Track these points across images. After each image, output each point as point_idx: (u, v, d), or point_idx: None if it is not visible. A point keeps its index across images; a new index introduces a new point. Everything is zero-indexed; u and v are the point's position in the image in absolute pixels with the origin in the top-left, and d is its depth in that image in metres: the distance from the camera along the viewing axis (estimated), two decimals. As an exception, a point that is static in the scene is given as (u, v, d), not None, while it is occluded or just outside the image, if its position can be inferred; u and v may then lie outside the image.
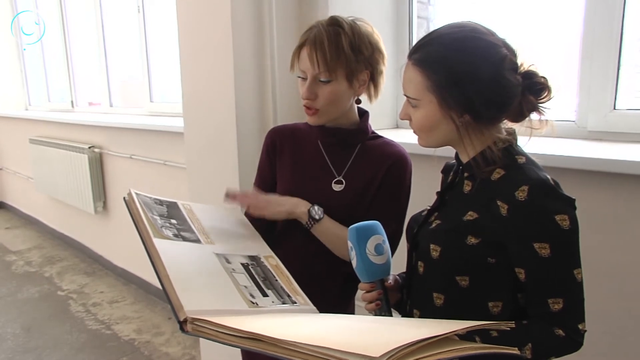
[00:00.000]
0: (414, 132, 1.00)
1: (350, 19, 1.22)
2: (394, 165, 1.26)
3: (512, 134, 0.98)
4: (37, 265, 4.22)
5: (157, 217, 1.09)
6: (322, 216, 1.24)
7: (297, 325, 0.85)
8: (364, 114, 1.32)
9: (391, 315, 1.01)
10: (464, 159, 0.99)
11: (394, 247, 1.23)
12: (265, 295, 1.02)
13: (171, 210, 1.17)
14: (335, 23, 1.20)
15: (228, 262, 1.07)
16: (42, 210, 5.11)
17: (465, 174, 0.99)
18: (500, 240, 0.90)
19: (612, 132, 1.56)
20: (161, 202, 1.18)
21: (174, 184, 3.07)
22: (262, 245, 1.24)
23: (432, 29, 1.15)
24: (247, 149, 1.95)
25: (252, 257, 1.14)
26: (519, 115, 0.95)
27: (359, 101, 1.30)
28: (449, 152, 1.03)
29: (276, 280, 1.10)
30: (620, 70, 1.54)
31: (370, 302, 1.01)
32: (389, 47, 1.96)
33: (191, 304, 0.83)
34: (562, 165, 1.37)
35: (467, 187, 0.98)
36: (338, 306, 1.35)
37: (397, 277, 1.13)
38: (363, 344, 0.64)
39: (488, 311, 0.95)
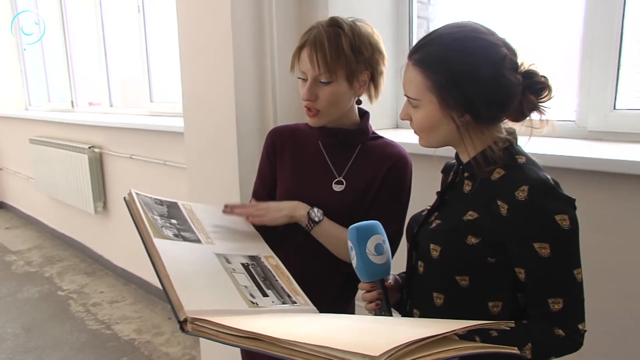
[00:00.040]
0: (415, 132, 1.00)
1: (350, 19, 1.22)
2: (394, 166, 1.26)
3: (512, 133, 0.98)
4: (37, 265, 4.22)
5: (158, 217, 1.10)
6: (321, 218, 1.24)
7: (297, 325, 0.85)
8: (364, 114, 1.32)
9: (391, 315, 1.01)
10: (464, 159, 0.99)
11: (394, 248, 1.23)
12: (265, 295, 1.02)
13: (171, 210, 1.17)
14: (335, 24, 1.20)
15: (228, 262, 1.07)
16: (42, 210, 5.11)
17: (466, 174, 0.99)
18: (500, 240, 0.90)
19: (612, 132, 1.56)
20: (161, 202, 1.18)
21: (174, 184, 3.07)
22: (262, 245, 1.24)
23: (432, 29, 1.15)
24: (247, 149, 1.95)
25: (252, 257, 1.14)
26: (520, 115, 0.95)
27: (359, 102, 1.30)
28: (449, 152, 1.03)
29: (276, 280, 1.10)
30: (620, 70, 1.54)
31: (370, 302, 1.01)
32: (389, 47, 1.96)
33: (191, 303, 0.83)
34: (562, 165, 1.37)
35: (467, 187, 0.98)
36: (338, 306, 1.35)
37: (397, 277, 1.13)
38: (363, 344, 0.64)
39: (488, 311, 0.95)
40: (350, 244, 1.00)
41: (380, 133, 1.35)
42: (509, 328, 0.86)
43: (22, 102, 5.70)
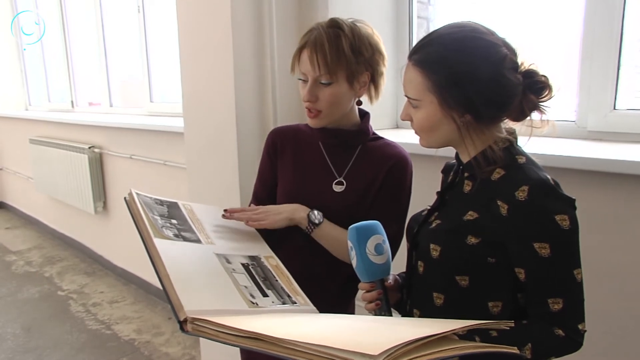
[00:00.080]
0: (416, 132, 1.00)
1: (350, 20, 1.22)
2: (394, 167, 1.26)
3: (512, 133, 0.98)
4: (37, 266, 4.22)
5: (158, 217, 1.10)
6: (321, 220, 1.24)
7: (297, 325, 0.85)
8: (364, 115, 1.32)
9: (391, 315, 1.01)
10: (465, 159, 0.99)
11: (395, 249, 1.23)
12: (265, 295, 1.02)
13: (172, 211, 1.17)
14: (335, 25, 1.20)
15: (228, 262, 1.07)
16: (42, 210, 5.11)
17: (466, 174, 0.99)
18: (500, 240, 0.91)
19: (612, 132, 1.56)
20: (162, 202, 1.18)
21: (174, 184, 3.07)
22: (262, 245, 1.24)
23: (432, 29, 1.15)
24: (247, 149, 1.95)
25: (252, 257, 1.14)
26: (520, 114, 0.95)
27: (359, 102, 1.30)
28: (449, 152, 1.04)
29: (276, 280, 1.10)
30: (620, 71, 1.54)
31: (370, 302, 1.01)
32: (389, 47, 1.96)
33: (191, 303, 0.83)
34: (562, 165, 1.37)
35: (467, 187, 0.98)
36: (338, 306, 1.35)
37: (397, 276, 1.13)
38: (362, 343, 0.64)
39: (488, 311, 0.95)
40: (350, 244, 1.00)
41: (380, 133, 1.35)
42: (508, 328, 0.86)
43: (22, 102, 5.70)
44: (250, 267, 1.10)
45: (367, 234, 0.99)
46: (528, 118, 0.96)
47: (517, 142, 0.98)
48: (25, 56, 5.55)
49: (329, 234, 1.25)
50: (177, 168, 3.00)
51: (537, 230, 0.87)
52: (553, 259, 0.87)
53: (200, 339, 2.42)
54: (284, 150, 1.36)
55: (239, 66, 1.89)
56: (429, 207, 1.08)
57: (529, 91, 0.93)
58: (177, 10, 2.11)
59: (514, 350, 0.74)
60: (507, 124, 0.99)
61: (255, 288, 1.03)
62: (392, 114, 2.17)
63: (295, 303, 1.05)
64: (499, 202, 0.89)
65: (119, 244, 3.86)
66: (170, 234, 1.06)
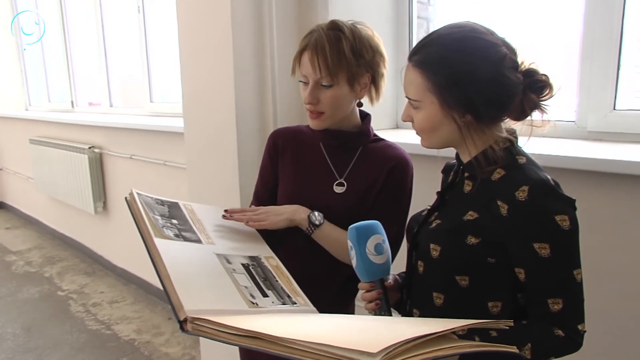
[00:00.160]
0: (417, 133, 1.01)
1: (350, 22, 1.23)
2: (395, 168, 1.26)
3: (512, 133, 0.98)
4: (37, 266, 4.22)
5: (159, 217, 1.10)
6: (322, 221, 1.24)
7: (297, 324, 0.85)
8: (365, 116, 1.33)
9: (391, 315, 1.01)
10: (465, 159, 0.99)
11: (395, 250, 1.23)
12: (265, 295, 1.02)
13: (172, 211, 1.18)
14: (335, 27, 1.21)
15: (229, 262, 1.07)
16: (42, 210, 5.11)
17: (466, 174, 0.99)
18: (500, 240, 0.91)
19: (612, 132, 1.56)
20: (162, 202, 1.18)
21: (174, 184, 3.07)
22: (262, 245, 1.24)
23: (432, 29, 1.15)
24: (247, 149, 1.95)
25: (252, 258, 1.14)
26: (521, 114, 0.95)
27: (360, 104, 1.30)
28: (450, 152, 1.04)
29: (276, 280, 1.10)
30: (620, 71, 1.54)
31: (370, 301, 1.01)
32: (389, 47, 1.96)
33: (191, 303, 0.83)
34: (562, 165, 1.37)
35: (467, 187, 0.98)
36: (338, 306, 1.35)
37: (397, 276, 1.13)
38: (361, 341, 0.64)
39: (488, 311, 0.95)
40: (350, 243, 1.00)
41: (380, 133, 1.35)
42: (508, 328, 0.86)
43: (22, 102, 5.70)
44: (250, 267, 1.10)
45: (367, 233, 0.99)
46: (529, 117, 0.96)
47: (517, 142, 0.98)
48: (25, 56, 5.55)
49: (330, 235, 1.25)
50: (177, 168, 3.00)
51: (537, 230, 0.87)
52: (553, 259, 0.87)
53: (200, 339, 2.43)
54: (285, 151, 1.36)
55: (239, 66, 1.89)
56: (429, 207, 1.08)
57: (529, 90, 0.93)
58: (177, 10, 2.11)
59: (514, 349, 0.74)
60: (508, 123, 0.99)
61: (256, 288, 1.03)
62: (392, 114, 2.18)
63: (295, 303, 1.05)
64: (499, 202, 0.89)
65: (119, 244, 3.86)
66: (170, 233, 1.06)
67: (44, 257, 4.42)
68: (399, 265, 1.14)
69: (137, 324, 3.15)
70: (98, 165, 3.91)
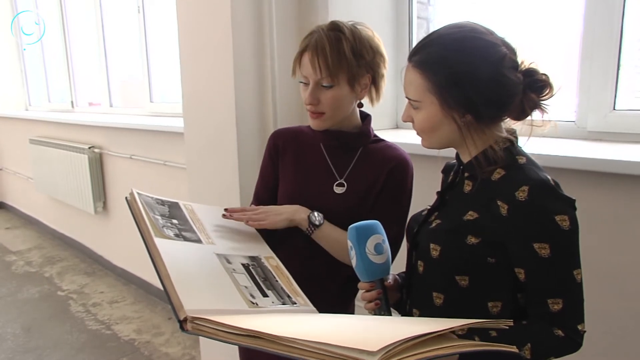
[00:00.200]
0: (417, 133, 1.01)
1: (350, 23, 1.23)
2: (395, 169, 1.26)
3: (513, 133, 0.98)
4: (37, 266, 4.22)
5: (159, 217, 1.10)
6: (322, 222, 1.25)
7: (296, 323, 0.85)
8: (366, 117, 1.33)
9: (390, 315, 1.01)
10: (465, 159, 0.99)
11: (395, 250, 1.23)
12: (265, 295, 1.02)
13: (173, 210, 1.18)
14: (336, 28, 1.21)
15: (229, 262, 1.07)
16: (42, 210, 5.11)
17: (466, 174, 0.99)
18: (500, 240, 0.91)
19: (611, 132, 1.56)
20: (163, 202, 1.18)
21: (174, 184, 3.07)
22: (262, 246, 1.24)
23: (432, 29, 1.15)
24: (247, 149, 1.95)
25: (252, 258, 1.14)
26: (521, 113, 0.96)
27: (361, 105, 1.31)
28: (450, 152, 1.04)
29: (276, 280, 1.10)
30: (620, 71, 1.54)
31: (370, 301, 1.01)
32: (389, 47, 1.96)
33: (191, 303, 0.83)
34: (562, 165, 1.37)
35: (467, 187, 0.98)
36: (338, 306, 1.35)
37: (397, 276, 1.13)
38: (361, 340, 0.65)
39: (487, 311, 0.95)
40: (350, 243, 1.00)
41: (380, 133, 1.35)
42: (507, 327, 0.86)
43: (22, 102, 5.70)
44: (250, 267, 1.10)
45: (366, 233, 0.99)
46: (529, 117, 0.96)
47: (517, 142, 0.98)
48: (25, 56, 5.55)
49: (330, 236, 1.25)
50: (177, 168, 3.00)
51: (537, 230, 0.87)
52: (553, 259, 0.87)
53: (200, 339, 2.43)
54: (286, 151, 1.36)
55: (239, 66, 1.89)
56: (429, 207, 1.08)
57: (529, 90, 0.93)
58: (177, 10, 2.11)
59: (513, 349, 0.74)
60: (508, 123, 0.99)
61: (256, 288, 1.03)
62: (392, 114, 2.18)
63: (295, 304, 1.05)
64: (499, 202, 0.89)
65: (119, 244, 3.86)
66: (171, 233, 1.06)
67: (44, 257, 4.42)
68: (399, 265, 1.14)
69: (137, 324, 3.15)
70: (98, 165, 3.91)
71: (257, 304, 0.97)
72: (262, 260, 1.15)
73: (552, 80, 0.94)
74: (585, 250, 0.93)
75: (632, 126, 1.52)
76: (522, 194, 0.87)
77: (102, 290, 3.69)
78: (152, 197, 1.16)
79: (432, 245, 0.97)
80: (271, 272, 1.12)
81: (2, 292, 3.68)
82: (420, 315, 1.03)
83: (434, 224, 1.01)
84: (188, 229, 1.13)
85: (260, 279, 1.07)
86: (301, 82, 1.25)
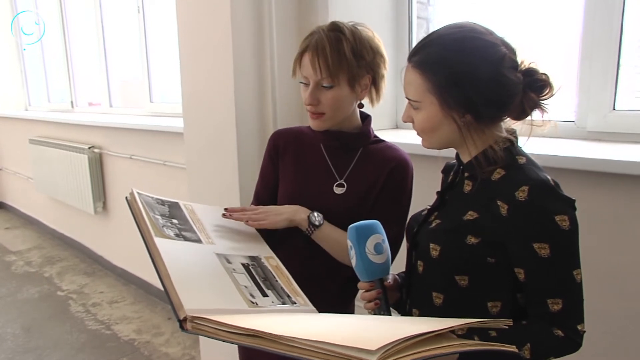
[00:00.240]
0: (417, 134, 1.01)
1: (350, 24, 1.23)
2: (395, 169, 1.27)
3: (513, 133, 0.98)
4: (37, 266, 4.22)
5: (159, 217, 1.10)
6: (322, 222, 1.25)
7: (296, 323, 0.85)
8: (366, 117, 1.33)
9: (390, 315, 1.01)
10: (465, 159, 0.99)
11: (395, 251, 1.23)
12: (265, 295, 1.02)
13: (173, 210, 1.18)
14: (336, 29, 1.21)
15: (229, 262, 1.07)
16: (42, 210, 5.11)
17: (466, 174, 0.99)
18: (500, 240, 0.91)
19: (611, 132, 1.56)
20: (163, 202, 1.18)
21: (173, 184, 3.07)
22: (262, 246, 1.24)
23: (431, 29, 1.15)
24: (247, 149, 1.95)
25: (252, 258, 1.14)
26: (521, 113, 0.96)
27: (361, 105, 1.31)
28: (450, 152, 1.04)
29: (276, 280, 1.10)
30: (619, 71, 1.54)
31: (369, 301, 1.01)
32: (389, 48, 1.96)
33: (191, 302, 0.83)
34: (562, 165, 1.37)
35: (467, 187, 0.98)
36: (338, 307, 1.35)
37: (397, 276, 1.13)
38: (360, 339, 0.65)
39: (487, 311, 0.95)
40: (349, 243, 1.00)
41: (380, 133, 1.35)
42: (507, 327, 0.86)
43: (22, 102, 5.70)
44: (250, 267, 1.10)
45: (366, 233, 0.99)
46: (529, 117, 0.96)
47: (517, 142, 0.98)
48: (25, 56, 5.55)
49: (329, 236, 1.25)
50: (177, 168, 3.00)
51: (537, 230, 0.87)
52: (553, 260, 0.87)
53: (200, 339, 2.43)
54: (286, 152, 1.36)
55: (238, 67, 1.89)
56: (429, 207, 1.08)
57: (529, 90, 0.93)
58: (177, 11, 2.11)
59: (512, 348, 0.74)
60: (508, 123, 0.99)
61: (255, 288, 1.03)
62: (391, 114, 2.18)
63: (295, 303, 1.05)
64: (499, 202, 0.89)
65: (118, 244, 3.86)
66: (171, 233, 1.06)
67: (43, 257, 4.42)
68: (399, 265, 1.14)
69: (137, 324, 3.15)
70: (98, 166, 3.91)
71: (257, 304, 0.97)
72: (262, 260, 1.15)
73: (552, 80, 0.94)
74: (585, 250, 0.93)
75: (631, 126, 1.52)
76: (522, 194, 0.87)
77: (102, 291, 3.69)
78: (152, 197, 1.16)
79: (431, 245, 0.97)
80: (271, 272, 1.12)
81: (2, 292, 3.68)
82: (420, 315, 1.03)
83: (433, 224, 1.01)
84: (188, 228, 1.14)
85: (260, 279, 1.07)
86: (301, 83, 1.25)
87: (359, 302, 1.10)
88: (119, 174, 3.77)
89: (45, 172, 4.57)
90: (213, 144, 2.05)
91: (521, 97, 0.93)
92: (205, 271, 1.01)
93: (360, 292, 1.04)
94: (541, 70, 0.94)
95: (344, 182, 1.29)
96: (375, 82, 1.26)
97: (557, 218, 0.86)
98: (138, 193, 1.12)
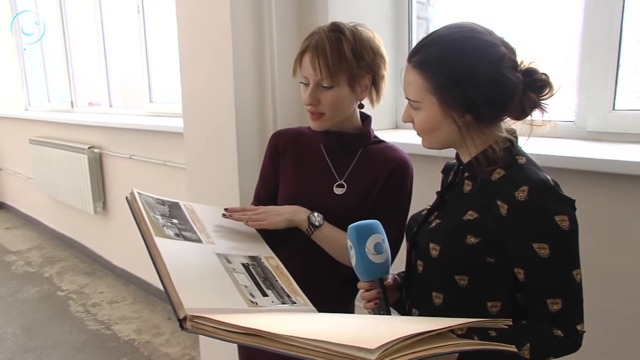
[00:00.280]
0: (417, 134, 1.01)
1: (351, 24, 1.23)
2: (395, 169, 1.27)
3: (512, 133, 0.98)
4: (37, 266, 4.22)
5: (159, 217, 1.10)
6: (322, 223, 1.25)
7: (296, 322, 0.85)
8: (366, 118, 1.33)
9: (390, 314, 1.02)
10: (465, 159, 0.99)
11: (395, 251, 1.23)
12: (265, 295, 1.02)
13: (173, 210, 1.18)
14: (336, 29, 1.21)
15: (229, 262, 1.07)
16: (42, 210, 5.11)
17: (466, 174, 0.99)
18: (499, 240, 0.91)
19: (611, 132, 1.56)
20: (163, 202, 1.18)
21: (173, 184, 3.07)
22: (262, 246, 1.24)
23: (431, 29, 1.15)
24: (246, 149, 1.95)
25: (252, 258, 1.14)
26: (521, 113, 0.96)
27: (361, 106, 1.31)
28: (450, 152, 1.04)
29: (276, 280, 1.10)
30: (619, 71, 1.54)
31: (369, 301, 1.01)
32: (389, 48, 1.96)
33: (191, 302, 0.83)
34: (561, 165, 1.37)
35: (467, 186, 0.98)
36: (338, 307, 1.35)
37: (397, 276, 1.13)
38: (360, 338, 0.65)
39: (487, 311, 0.95)
40: (349, 242, 1.00)
41: (379, 133, 1.36)
42: (507, 327, 0.86)
43: (22, 102, 5.70)
44: (250, 267, 1.10)
45: (366, 233, 0.99)
46: (529, 117, 0.96)
47: (517, 142, 0.98)
48: (25, 56, 5.55)
49: (329, 237, 1.25)
50: (176, 168, 3.00)
51: (537, 230, 0.87)
52: (552, 260, 0.87)
53: (200, 339, 2.43)
54: (286, 152, 1.37)
55: (238, 67, 1.89)
56: (428, 207, 1.08)
57: (529, 89, 0.93)
58: (177, 11, 2.11)
59: (512, 348, 0.74)
60: (508, 123, 0.99)
61: (255, 288, 1.03)
62: (391, 114, 2.18)
63: (295, 303, 1.05)
64: (499, 202, 0.89)
65: (118, 244, 3.86)
66: (171, 233, 1.06)
67: (43, 257, 4.42)
68: (399, 264, 1.14)
69: (137, 324, 3.15)
70: (98, 166, 3.91)
71: (256, 303, 0.97)
72: (262, 260, 1.15)
73: (551, 80, 0.94)
74: (585, 251, 0.93)
75: (631, 126, 1.53)
76: (521, 194, 0.87)
77: (101, 291, 3.69)
78: (152, 197, 1.16)
79: (431, 245, 0.97)
80: (271, 272, 1.12)
81: (2, 292, 3.68)
82: (419, 315, 1.03)
83: (433, 224, 1.01)
84: (188, 228, 1.14)
85: (260, 279, 1.07)
86: (302, 83, 1.25)
87: (359, 302, 1.10)
88: (119, 174, 3.77)
89: (45, 172, 4.57)
90: (213, 144, 2.05)
91: (521, 97, 0.93)
92: (205, 271, 1.01)
93: (360, 291, 1.04)
94: (541, 70, 0.94)
95: (344, 183, 1.29)
96: (375, 82, 1.27)
97: (557, 218, 0.86)
98: (138, 193, 1.12)
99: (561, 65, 1.78)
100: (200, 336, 2.39)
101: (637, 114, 1.52)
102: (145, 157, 3.34)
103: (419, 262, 1.02)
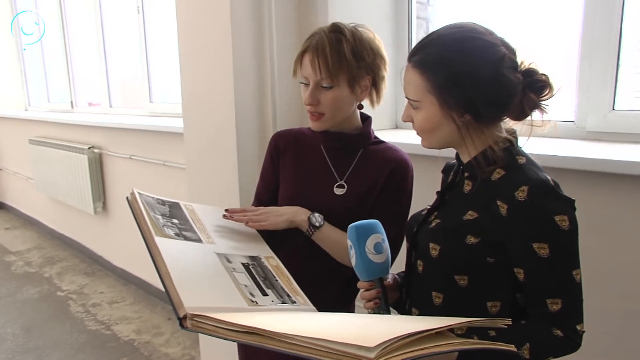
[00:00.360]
0: (417, 134, 1.01)
1: (351, 25, 1.23)
2: (395, 170, 1.27)
3: (512, 133, 0.98)
4: (36, 266, 4.22)
5: (159, 217, 1.10)
6: (322, 223, 1.25)
7: (295, 321, 0.86)
8: (366, 119, 1.33)
9: (389, 314, 1.02)
10: (465, 159, 0.99)
11: (395, 251, 1.23)
12: (265, 294, 1.02)
13: (173, 210, 1.18)
14: (336, 30, 1.21)
15: (229, 261, 1.07)
16: (42, 210, 5.11)
17: (466, 174, 1.00)
18: (499, 240, 0.91)
19: (611, 132, 1.56)
20: (163, 202, 1.18)
21: (173, 184, 3.07)
22: (262, 245, 1.25)
23: (431, 29, 1.15)
24: (246, 150, 1.95)
25: (252, 257, 1.15)
26: (521, 114, 0.96)
27: (361, 106, 1.31)
28: (450, 152, 1.04)
29: (276, 280, 1.10)
30: (619, 71, 1.54)
31: (369, 300, 1.01)
32: (389, 48, 1.96)
33: (191, 301, 0.84)
34: (561, 165, 1.37)
35: (467, 186, 0.98)
36: (338, 307, 1.35)
37: (396, 276, 1.13)
38: (358, 336, 0.65)
39: (487, 311, 0.95)
40: (349, 242, 1.00)
41: (379, 134, 1.36)
42: (506, 327, 0.86)
43: (22, 102, 5.70)
44: (250, 266, 1.10)
45: (366, 232, 0.99)
46: (528, 117, 0.96)
47: (517, 142, 0.98)
48: (25, 56, 5.55)
49: (330, 237, 1.25)
50: (176, 168, 3.00)
51: (537, 230, 0.87)
52: (552, 260, 0.87)
53: (200, 339, 2.43)
54: (287, 152, 1.37)
55: (238, 67, 1.89)
56: (428, 207, 1.08)
57: (529, 90, 0.93)
58: (176, 11, 2.11)
59: (511, 348, 0.74)
60: (508, 123, 0.99)
61: (255, 287, 1.03)
62: (391, 114, 2.18)
63: (295, 303, 1.05)
64: (499, 202, 0.90)
65: (118, 245, 3.86)
66: (171, 232, 1.06)
67: (43, 258, 4.42)
68: (399, 264, 1.14)
69: (137, 324, 3.15)
70: (97, 166, 3.91)
71: (256, 303, 0.97)
72: (262, 260, 1.15)
73: (551, 80, 0.94)
74: (585, 250, 0.93)
75: (631, 126, 1.53)
76: (521, 194, 0.87)
77: (101, 291, 3.69)
78: (152, 197, 1.17)
79: (431, 245, 0.97)
80: (271, 272, 1.12)
81: (1, 293, 3.68)
82: (419, 315, 1.03)
83: (433, 224, 1.01)
84: (188, 228, 1.14)
85: (260, 278, 1.07)
86: (302, 83, 1.25)
87: (359, 302, 1.10)
88: (119, 174, 3.77)
89: (45, 172, 4.57)
90: (213, 144, 2.05)
91: (521, 97, 0.93)
92: (206, 270, 1.01)
93: (360, 291, 1.04)
94: (541, 71, 0.94)
95: (344, 183, 1.29)
96: (375, 83, 1.27)
97: (557, 218, 0.86)
98: (139, 193, 1.12)
99: (561, 65, 1.78)
100: (200, 336, 2.39)
101: (637, 114, 1.52)
102: (145, 157, 3.34)
103: (418, 262, 1.02)
